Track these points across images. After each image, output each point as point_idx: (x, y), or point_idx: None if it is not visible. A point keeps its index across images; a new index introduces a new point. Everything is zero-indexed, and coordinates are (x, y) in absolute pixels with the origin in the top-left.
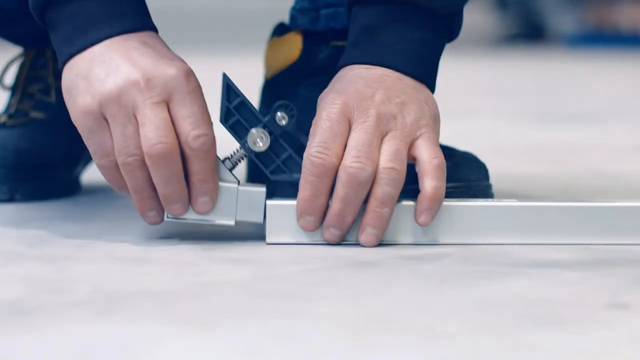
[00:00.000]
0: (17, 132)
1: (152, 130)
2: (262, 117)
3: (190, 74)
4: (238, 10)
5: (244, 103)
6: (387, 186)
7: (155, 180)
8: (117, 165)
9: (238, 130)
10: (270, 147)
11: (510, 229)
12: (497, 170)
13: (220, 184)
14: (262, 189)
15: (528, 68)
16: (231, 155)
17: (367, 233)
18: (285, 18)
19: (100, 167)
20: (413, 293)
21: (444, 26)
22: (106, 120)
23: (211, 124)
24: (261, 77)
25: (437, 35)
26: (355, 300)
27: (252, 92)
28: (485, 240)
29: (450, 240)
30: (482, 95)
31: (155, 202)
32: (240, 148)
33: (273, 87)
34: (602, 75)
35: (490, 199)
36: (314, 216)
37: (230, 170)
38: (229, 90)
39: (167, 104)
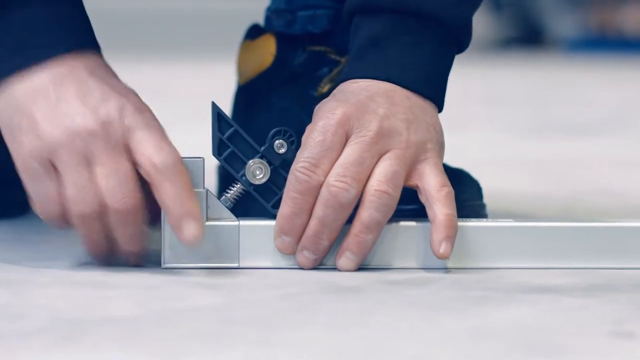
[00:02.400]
0: None
1: (117, 184)
2: (258, 146)
3: (142, 106)
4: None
5: (238, 132)
6: (375, 211)
7: (118, 235)
8: (63, 214)
9: (233, 163)
10: (270, 179)
11: (505, 251)
12: (491, 188)
13: (220, 223)
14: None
15: (525, 75)
16: (228, 192)
17: (347, 258)
18: (260, 19)
19: (43, 214)
20: (399, 321)
21: (453, 38)
22: (53, 166)
23: (172, 146)
24: (234, 83)
25: (446, 48)
26: (337, 328)
27: (225, 100)
28: (477, 263)
29: (439, 264)
30: (474, 105)
31: (108, 248)
32: (237, 182)
33: (246, 94)
34: (605, 83)
35: (483, 219)
36: (292, 237)
37: (230, 208)
38: (220, 120)
39: (126, 145)
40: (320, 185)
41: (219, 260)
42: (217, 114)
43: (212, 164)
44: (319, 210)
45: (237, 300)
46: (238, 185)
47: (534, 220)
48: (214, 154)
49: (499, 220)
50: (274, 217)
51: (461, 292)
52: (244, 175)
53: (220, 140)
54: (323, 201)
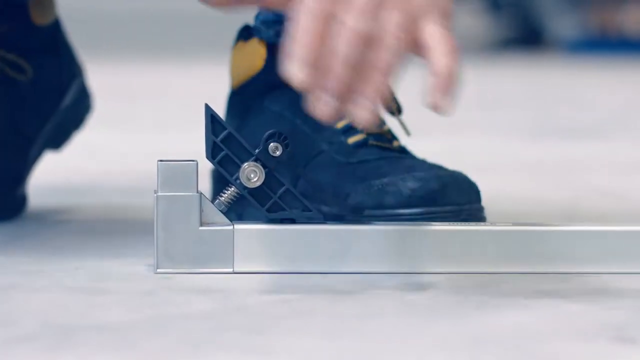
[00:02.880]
0: None
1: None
2: (252, 149)
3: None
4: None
5: (232, 135)
6: (393, 56)
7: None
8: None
9: (228, 166)
10: (264, 182)
11: (505, 255)
12: (489, 191)
13: (214, 227)
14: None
15: (524, 77)
16: (221, 195)
17: (366, 107)
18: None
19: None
20: (396, 326)
21: None
22: None
23: None
24: (227, 86)
25: None
26: (332, 334)
27: (220, 102)
28: (476, 268)
29: (437, 268)
30: (473, 107)
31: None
32: (231, 186)
33: (239, 98)
34: (605, 84)
35: (482, 223)
36: (317, 68)
37: (224, 212)
38: (214, 122)
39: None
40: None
41: (213, 265)
42: (210, 116)
43: (205, 167)
44: (345, 52)
45: (231, 306)
46: (232, 189)
47: (534, 224)
48: (207, 157)
49: (498, 224)
50: (269, 220)
51: (459, 297)
52: (238, 178)
53: (214, 142)
54: (348, 41)
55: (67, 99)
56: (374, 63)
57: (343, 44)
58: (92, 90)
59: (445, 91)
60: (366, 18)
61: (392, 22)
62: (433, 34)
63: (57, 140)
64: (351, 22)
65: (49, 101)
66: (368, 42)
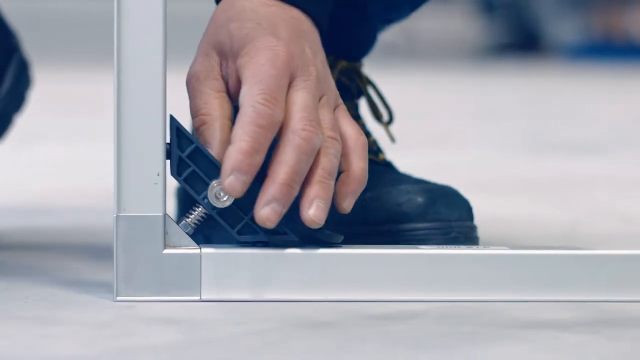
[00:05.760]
0: None
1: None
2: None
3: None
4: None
5: (200, 150)
6: (334, 157)
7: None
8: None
9: (194, 184)
10: (235, 202)
11: (498, 282)
12: (483, 210)
13: (180, 251)
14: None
15: (520, 86)
16: (188, 216)
17: (318, 206)
18: None
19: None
20: None
21: None
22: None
23: None
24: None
25: None
26: None
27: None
28: (467, 295)
29: (423, 295)
30: (464, 119)
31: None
32: (198, 205)
33: None
34: (609, 94)
35: (474, 246)
36: (248, 176)
37: (191, 234)
38: (180, 135)
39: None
40: (279, 125)
41: (178, 292)
42: (176, 128)
43: (171, 185)
44: (290, 157)
45: (198, 338)
46: (200, 209)
47: (531, 247)
48: (172, 174)
49: (492, 247)
50: (239, 244)
51: (448, 327)
52: (206, 197)
53: (180, 158)
54: (294, 147)
55: (7, 82)
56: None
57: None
58: (30, 59)
59: (355, 195)
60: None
61: (325, 123)
62: (348, 127)
63: None
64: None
65: None
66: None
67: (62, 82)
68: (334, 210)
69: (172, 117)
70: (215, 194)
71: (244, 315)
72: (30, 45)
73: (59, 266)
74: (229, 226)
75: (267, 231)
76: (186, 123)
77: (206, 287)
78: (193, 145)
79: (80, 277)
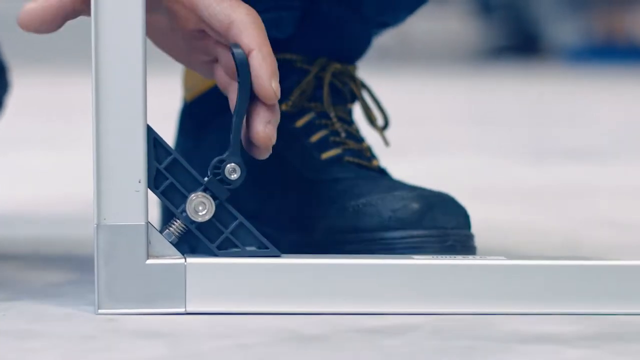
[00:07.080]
0: None
1: None
2: (201, 178)
3: None
4: None
5: (178, 161)
6: None
7: None
8: None
9: (172, 197)
10: (214, 215)
11: (496, 294)
12: (480, 219)
13: (164, 261)
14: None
15: (518, 90)
16: (171, 225)
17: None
18: None
19: None
20: None
21: None
22: None
23: None
24: (179, 99)
25: None
26: None
27: (169, 119)
28: (463, 308)
29: (418, 308)
30: (461, 124)
31: None
32: (177, 218)
33: (195, 112)
34: (611, 98)
35: (469, 256)
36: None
37: (175, 244)
38: (157, 146)
39: None
40: None
41: (162, 304)
42: (153, 139)
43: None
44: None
45: (183, 352)
46: (179, 222)
47: (530, 257)
48: (149, 187)
49: (489, 257)
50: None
51: (443, 341)
52: (184, 210)
53: (157, 170)
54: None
55: None
56: None
57: None
58: (9, 65)
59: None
60: None
61: None
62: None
63: None
64: None
65: None
66: None
67: (41, 85)
68: (322, 213)
69: (149, 127)
70: (194, 207)
71: (230, 329)
72: (8, 48)
73: (38, 278)
74: (208, 240)
75: (247, 245)
76: (165, 132)
77: (191, 299)
78: (171, 157)
79: (61, 289)
